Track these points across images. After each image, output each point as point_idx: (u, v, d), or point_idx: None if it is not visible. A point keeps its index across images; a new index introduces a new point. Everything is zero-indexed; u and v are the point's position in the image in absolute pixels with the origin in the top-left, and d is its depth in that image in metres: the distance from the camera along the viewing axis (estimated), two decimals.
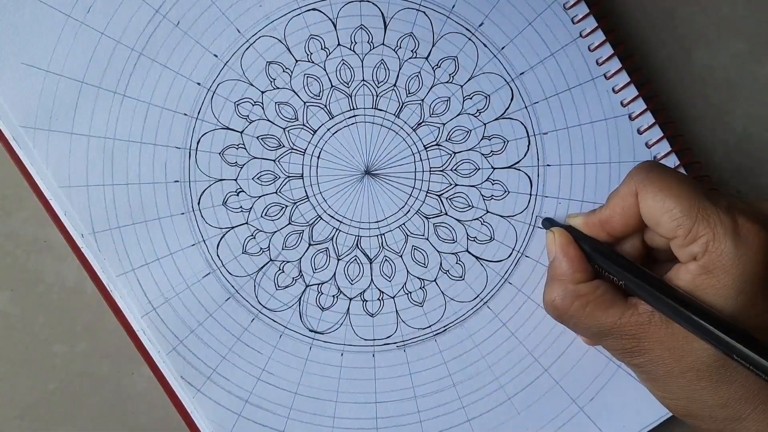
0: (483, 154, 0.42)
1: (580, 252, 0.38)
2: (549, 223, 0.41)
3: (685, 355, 0.35)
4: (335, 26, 0.42)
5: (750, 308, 0.34)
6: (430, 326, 0.42)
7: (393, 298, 0.42)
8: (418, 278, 0.42)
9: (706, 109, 0.45)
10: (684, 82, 0.44)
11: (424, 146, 0.42)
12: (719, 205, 0.34)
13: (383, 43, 0.42)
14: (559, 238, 0.38)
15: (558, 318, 0.38)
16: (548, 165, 0.42)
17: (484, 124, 0.42)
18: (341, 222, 0.42)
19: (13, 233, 0.42)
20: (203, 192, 0.41)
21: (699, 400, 0.35)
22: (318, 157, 0.42)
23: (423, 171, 0.42)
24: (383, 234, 0.42)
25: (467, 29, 0.42)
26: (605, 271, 0.37)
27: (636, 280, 0.36)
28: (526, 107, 0.42)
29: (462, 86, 0.42)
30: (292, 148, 0.42)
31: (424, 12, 0.42)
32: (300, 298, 0.42)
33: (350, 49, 0.42)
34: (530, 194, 0.42)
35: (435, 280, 0.42)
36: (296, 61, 0.42)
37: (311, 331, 0.42)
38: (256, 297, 0.41)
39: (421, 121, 0.42)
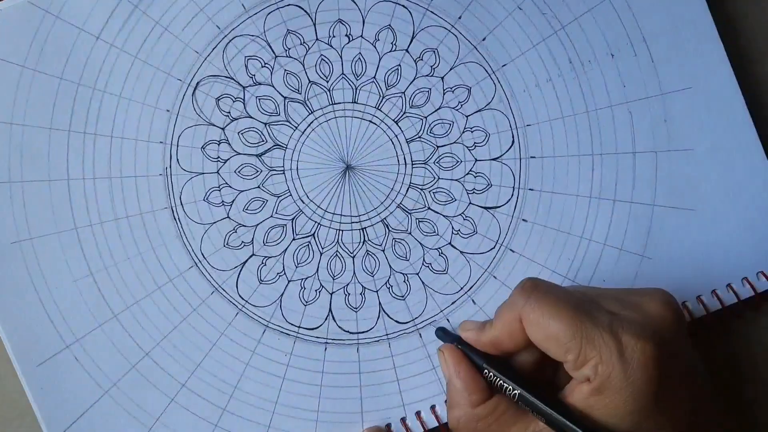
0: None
1: (473, 371, 0.38)
2: (442, 333, 0.41)
3: None
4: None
5: (644, 424, 0.34)
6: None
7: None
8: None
9: None
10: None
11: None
12: (601, 325, 0.34)
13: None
14: (449, 359, 0.38)
15: None
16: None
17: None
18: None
19: None
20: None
21: None
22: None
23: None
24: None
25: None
26: (501, 388, 0.37)
27: (528, 398, 0.36)
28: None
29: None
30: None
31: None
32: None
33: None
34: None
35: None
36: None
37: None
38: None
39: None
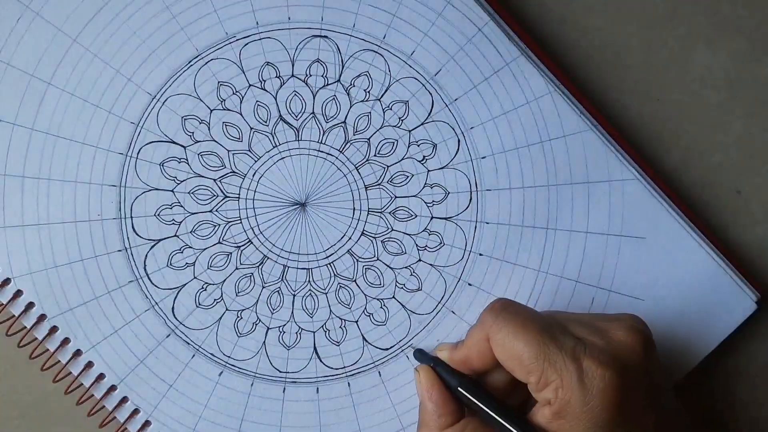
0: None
1: (445, 393, 0.38)
2: (420, 354, 0.41)
3: None
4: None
5: None
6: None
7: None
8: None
9: (706, 110, 0.44)
10: (684, 82, 0.44)
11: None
12: (565, 349, 0.34)
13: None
14: (423, 380, 0.38)
15: None
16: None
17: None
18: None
19: None
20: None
21: None
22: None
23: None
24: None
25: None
26: (471, 408, 0.37)
27: (498, 419, 0.36)
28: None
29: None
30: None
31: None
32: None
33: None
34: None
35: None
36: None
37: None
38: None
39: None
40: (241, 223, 0.42)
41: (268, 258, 0.42)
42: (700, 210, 0.44)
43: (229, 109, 0.42)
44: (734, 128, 0.45)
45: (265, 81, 0.42)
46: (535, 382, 0.35)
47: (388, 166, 0.42)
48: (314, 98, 0.42)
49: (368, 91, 0.42)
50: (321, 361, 0.42)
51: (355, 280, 0.42)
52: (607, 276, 0.42)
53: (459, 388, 0.37)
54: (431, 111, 0.42)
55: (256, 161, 0.42)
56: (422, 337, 0.42)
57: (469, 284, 0.42)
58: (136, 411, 0.41)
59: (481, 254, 0.42)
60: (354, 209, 0.42)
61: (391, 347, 0.42)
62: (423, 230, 0.42)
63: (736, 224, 0.44)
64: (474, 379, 0.38)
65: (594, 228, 0.42)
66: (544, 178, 0.42)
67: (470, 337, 0.37)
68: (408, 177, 0.42)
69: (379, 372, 0.42)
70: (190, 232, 0.41)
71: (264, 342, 0.42)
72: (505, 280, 0.42)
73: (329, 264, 0.42)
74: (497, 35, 0.41)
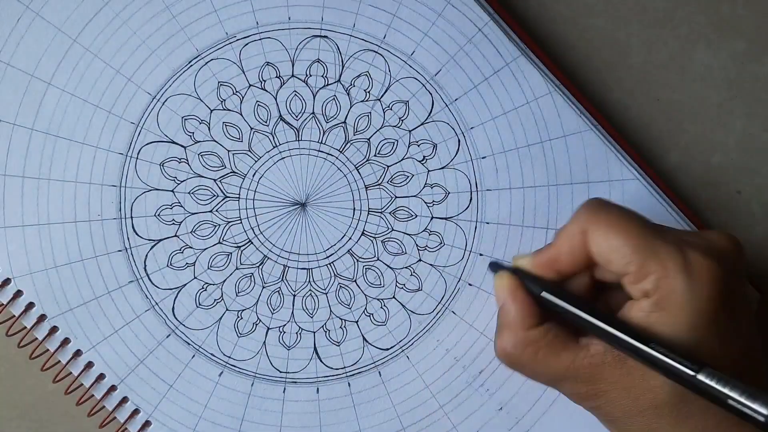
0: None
1: (529, 296, 0.36)
2: (496, 266, 0.40)
3: (642, 394, 0.34)
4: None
5: (704, 343, 0.33)
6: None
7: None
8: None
9: (707, 110, 0.44)
10: (684, 81, 0.44)
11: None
12: (668, 240, 0.34)
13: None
14: (507, 283, 0.37)
15: (511, 365, 0.37)
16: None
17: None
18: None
19: None
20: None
21: None
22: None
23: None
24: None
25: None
26: (557, 313, 0.36)
27: (589, 319, 0.35)
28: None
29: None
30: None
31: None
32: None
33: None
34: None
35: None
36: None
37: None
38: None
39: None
40: (241, 223, 0.42)
41: (269, 258, 0.42)
42: (700, 210, 0.44)
43: (229, 109, 0.42)
44: (734, 128, 0.45)
45: (265, 81, 0.42)
46: (634, 273, 0.34)
47: (388, 166, 0.42)
48: (314, 98, 0.42)
49: (368, 91, 0.42)
50: (321, 361, 0.42)
51: (355, 280, 0.42)
52: None
53: (543, 294, 0.36)
54: (431, 111, 0.42)
55: (256, 161, 0.42)
56: (423, 338, 0.42)
57: (470, 284, 0.42)
58: (136, 411, 0.41)
59: (481, 254, 0.42)
60: (354, 209, 0.42)
61: (391, 347, 0.42)
62: (423, 230, 0.42)
63: (736, 224, 0.44)
64: (557, 284, 0.37)
65: None
66: (544, 178, 0.42)
67: (562, 235, 0.36)
68: (408, 177, 0.42)
69: (380, 372, 0.42)
70: (191, 232, 0.41)
71: (264, 342, 0.41)
72: None
73: (329, 264, 0.42)
74: (497, 35, 0.41)
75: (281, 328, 0.42)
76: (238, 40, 0.41)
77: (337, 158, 0.42)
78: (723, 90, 0.45)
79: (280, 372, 0.41)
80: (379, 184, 0.42)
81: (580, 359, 0.35)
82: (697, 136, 0.44)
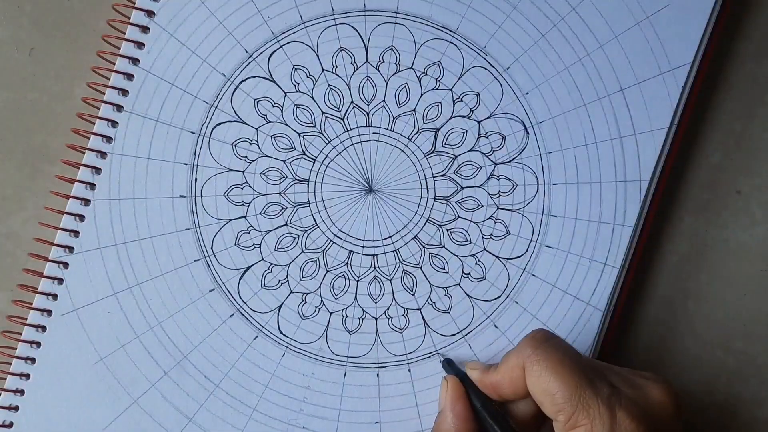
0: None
1: (468, 410, 0.38)
2: (448, 365, 0.41)
3: None
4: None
5: None
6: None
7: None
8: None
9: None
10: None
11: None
12: (601, 395, 0.34)
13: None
14: (450, 391, 0.38)
15: None
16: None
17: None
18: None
19: (12, 233, 0.43)
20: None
21: None
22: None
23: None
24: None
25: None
26: (488, 430, 0.37)
27: None
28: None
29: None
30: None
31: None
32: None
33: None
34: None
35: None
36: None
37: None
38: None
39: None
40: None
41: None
42: (699, 210, 0.44)
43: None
44: (734, 128, 0.44)
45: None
46: (564, 422, 0.34)
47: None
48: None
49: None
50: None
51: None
52: None
53: (482, 410, 0.37)
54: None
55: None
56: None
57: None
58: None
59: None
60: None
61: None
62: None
63: (736, 224, 0.44)
64: (498, 404, 0.38)
65: None
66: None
67: (505, 363, 0.37)
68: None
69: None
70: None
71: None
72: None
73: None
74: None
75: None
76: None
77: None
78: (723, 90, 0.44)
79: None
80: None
81: None
82: (697, 137, 0.44)
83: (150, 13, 0.41)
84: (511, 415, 0.38)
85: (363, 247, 0.42)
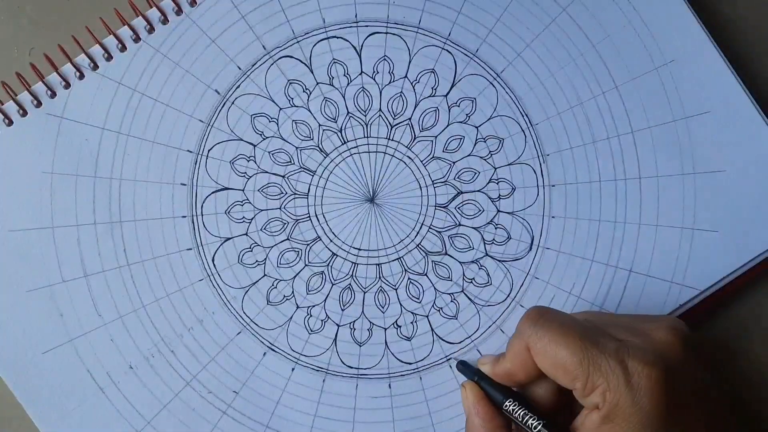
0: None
1: (492, 408, 0.38)
2: (463, 367, 0.41)
3: None
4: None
5: None
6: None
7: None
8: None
9: None
10: None
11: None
12: (608, 352, 0.34)
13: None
14: (469, 395, 0.39)
15: None
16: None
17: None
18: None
19: None
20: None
21: None
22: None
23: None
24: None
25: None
26: (517, 422, 0.37)
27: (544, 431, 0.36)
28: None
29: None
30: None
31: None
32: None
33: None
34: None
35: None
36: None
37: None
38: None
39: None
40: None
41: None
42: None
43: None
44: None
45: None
46: (581, 388, 0.35)
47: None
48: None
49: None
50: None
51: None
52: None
53: (504, 405, 0.38)
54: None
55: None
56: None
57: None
58: None
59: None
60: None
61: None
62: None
63: None
64: (519, 393, 0.38)
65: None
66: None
67: (510, 349, 0.37)
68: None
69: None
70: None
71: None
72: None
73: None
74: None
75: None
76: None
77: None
78: None
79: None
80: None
81: None
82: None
83: (138, 39, 0.41)
84: (536, 402, 0.38)
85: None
